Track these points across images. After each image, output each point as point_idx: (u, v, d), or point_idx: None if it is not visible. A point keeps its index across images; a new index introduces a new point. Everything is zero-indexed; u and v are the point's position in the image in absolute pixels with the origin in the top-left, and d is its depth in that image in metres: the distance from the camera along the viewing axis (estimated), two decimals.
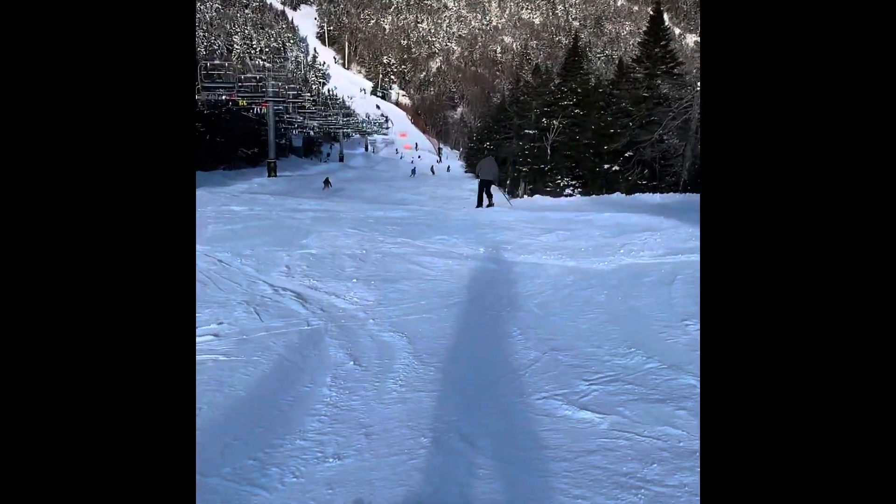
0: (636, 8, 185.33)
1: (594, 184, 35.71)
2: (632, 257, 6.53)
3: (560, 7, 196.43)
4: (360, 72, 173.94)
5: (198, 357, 3.56)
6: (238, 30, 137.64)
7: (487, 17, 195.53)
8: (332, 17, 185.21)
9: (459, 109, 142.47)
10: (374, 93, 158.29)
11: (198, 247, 6.45)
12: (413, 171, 61.01)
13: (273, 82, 46.11)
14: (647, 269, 5.95)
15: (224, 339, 3.95)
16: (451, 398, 3.21)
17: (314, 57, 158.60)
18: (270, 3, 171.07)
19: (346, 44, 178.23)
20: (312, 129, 74.10)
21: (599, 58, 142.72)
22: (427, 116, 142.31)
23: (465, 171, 60.50)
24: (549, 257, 6.82)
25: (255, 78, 48.79)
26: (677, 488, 2.32)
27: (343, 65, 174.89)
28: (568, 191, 36.95)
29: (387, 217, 10.64)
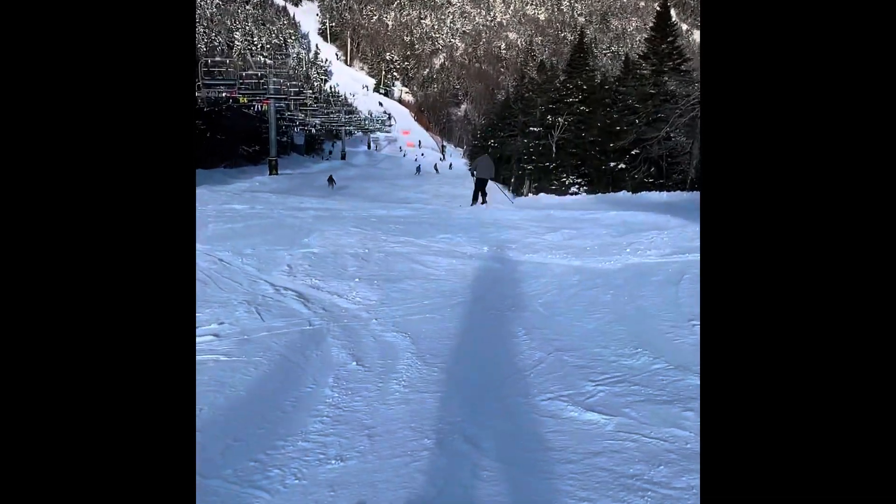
0: (643, 3, 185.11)
1: (600, 182, 35.70)
2: (638, 256, 6.52)
3: (565, 3, 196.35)
4: (362, 68, 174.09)
5: (198, 357, 3.57)
6: (239, 26, 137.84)
7: (491, 13, 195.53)
8: (334, 12, 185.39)
9: (463, 106, 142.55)
10: (376, 90, 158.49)
11: (198, 246, 6.46)
12: (418, 169, 61.14)
13: (274, 79, 46.11)
14: (654, 268, 5.94)
15: (225, 339, 3.95)
16: (455, 399, 3.21)
17: (316, 53, 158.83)
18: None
19: (349, 40, 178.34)
20: (314, 127, 74.14)
21: (605, 54, 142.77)
22: (430, 114, 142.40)
23: (468, 169, 60.44)
24: (554, 256, 6.81)
25: (257, 75, 48.84)
26: (685, 490, 2.32)
27: (345, 61, 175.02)
28: (573, 189, 36.96)
29: (390, 216, 10.64)
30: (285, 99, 52.73)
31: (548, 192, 36.91)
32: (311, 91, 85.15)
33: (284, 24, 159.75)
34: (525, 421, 2.97)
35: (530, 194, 38.22)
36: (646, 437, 2.72)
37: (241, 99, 43.89)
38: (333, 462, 2.57)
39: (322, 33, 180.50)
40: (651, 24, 38.18)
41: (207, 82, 42.67)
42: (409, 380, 3.43)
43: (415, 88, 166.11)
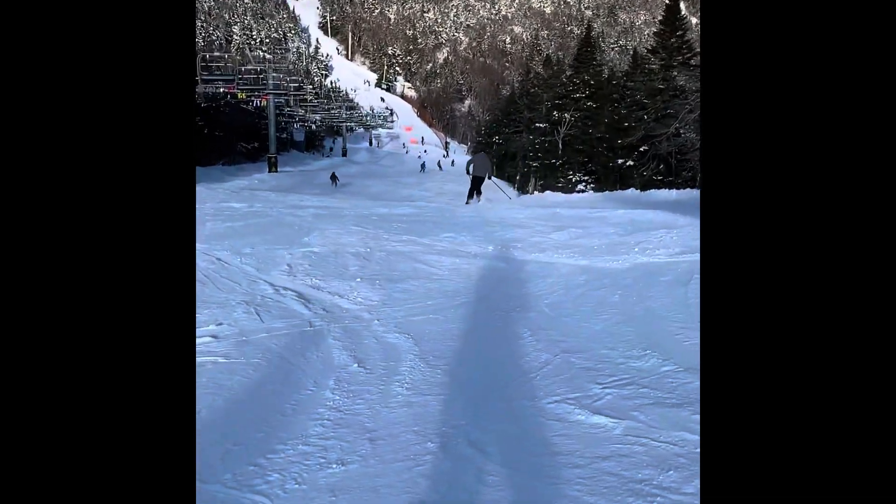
0: None
1: (607, 179, 35.68)
2: (647, 256, 6.51)
3: None
4: (363, 63, 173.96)
5: (196, 359, 3.57)
6: (237, 20, 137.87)
7: (496, 6, 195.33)
8: (335, 6, 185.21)
9: (467, 102, 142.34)
10: (378, 85, 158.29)
11: (196, 245, 6.47)
12: (422, 166, 61.17)
13: (274, 74, 46.16)
14: (663, 268, 5.93)
15: (223, 340, 3.96)
16: (459, 402, 3.21)
17: (316, 48, 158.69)
18: None
19: (350, 34, 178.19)
20: (314, 123, 74.27)
21: (613, 48, 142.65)
22: (433, 109, 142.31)
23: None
24: (560, 256, 6.81)
25: (256, 70, 48.86)
26: (695, 496, 2.32)
27: (346, 56, 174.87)
28: (580, 186, 36.92)
29: (392, 214, 10.66)
30: (285, 94, 52.82)
31: (554, 189, 36.85)
32: (311, 86, 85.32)
33: (284, 18, 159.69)
34: (531, 424, 2.97)
35: (536, 192, 38.18)
36: (655, 441, 2.72)
37: (239, 94, 43.96)
38: (334, 466, 2.57)
39: (322, 27, 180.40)
40: (660, 18, 38.13)
41: (205, 77, 42.76)
42: (412, 382, 3.43)
43: (418, 84, 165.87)
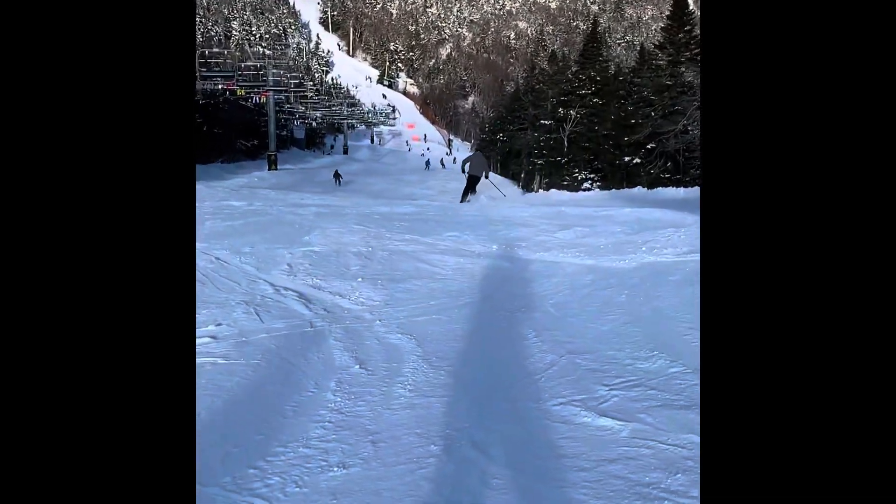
0: None
1: (614, 177, 35.66)
2: (654, 255, 6.50)
3: None
4: (365, 59, 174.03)
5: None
6: (236, 15, 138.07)
7: (500, 1, 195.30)
8: (336, 1, 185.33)
9: (471, 99, 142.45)
10: (380, 81, 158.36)
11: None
12: (427, 164, 61.22)
13: (273, 70, 46.26)
14: (671, 267, 5.92)
15: (223, 341, 3.96)
16: (463, 403, 3.21)
17: (317, 44, 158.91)
18: None
19: (351, 30, 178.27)
20: (315, 120, 74.35)
21: (619, 44, 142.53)
22: (436, 106, 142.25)
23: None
24: (566, 255, 6.81)
25: (255, 66, 48.95)
26: None
27: (347, 52, 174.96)
28: (586, 185, 36.92)
29: (394, 213, 10.65)
30: (285, 91, 52.99)
31: (559, 187, 36.88)
32: (311, 83, 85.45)
33: (284, 14, 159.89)
34: (536, 426, 2.96)
35: (541, 190, 38.20)
36: (662, 444, 2.72)
37: (238, 91, 44.01)
38: (336, 469, 2.57)
39: (323, 23, 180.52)
40: (667, 13, 38.11)
41: (204, 74, 42.86)
42: (415, 383, 3.43)
43: (420, 80, 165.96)
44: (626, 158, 34.81)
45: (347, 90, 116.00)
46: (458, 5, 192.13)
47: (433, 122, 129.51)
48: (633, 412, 3.03)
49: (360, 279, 5.62)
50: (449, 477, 2.51)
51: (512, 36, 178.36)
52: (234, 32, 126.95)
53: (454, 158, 74.07)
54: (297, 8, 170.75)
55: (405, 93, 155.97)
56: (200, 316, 4.37)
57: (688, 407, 3.06)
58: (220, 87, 44.06)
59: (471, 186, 17.32)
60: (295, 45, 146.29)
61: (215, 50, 52.31)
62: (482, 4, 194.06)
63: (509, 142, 51.16)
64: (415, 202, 15.12)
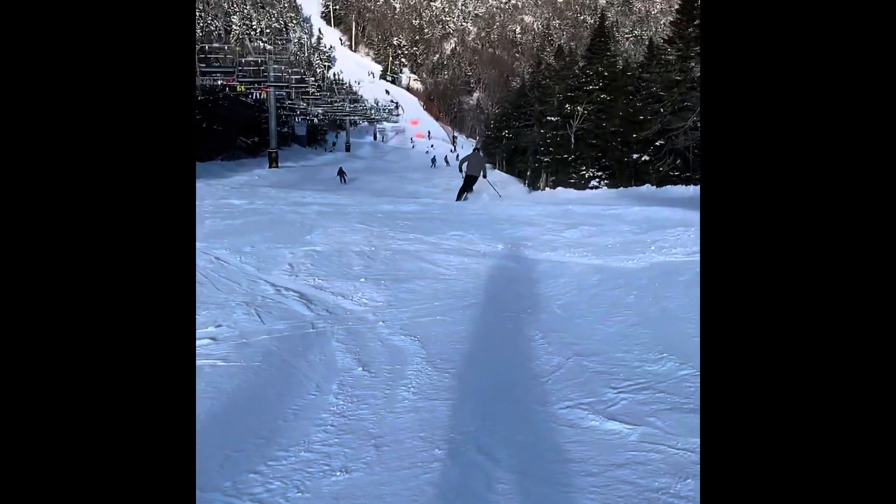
0: None
1: (622, 175, 35.60)
2: (663, 255, 6.49)
3: None
4: (368, 54, 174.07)
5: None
6: (237, 9, 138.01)
7: None
8: None
9: (476, 94, 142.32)
10: (383, 77, 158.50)
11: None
12: (433, 161, 61.26)
13: (274, 66, 46.32)
14: (680, 267, 5.90)
15: (222, 342, 3.96)
16: (468, 407, 3.20)
17: (319, 38, 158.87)
18: None
19: (353, 24, 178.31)
20: (317, 117, 74.37)
21: (628, 38, 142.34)
22: (440, 102, 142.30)
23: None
24: (573, 255, 6.80)
25: (256, 61, 49.00)
26: None
27: (350, 47, 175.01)
28: (594, 183, 36.88)
29: (398, 211, 10.65)
30: (286, 87, 52.96)
31: (566, 185, 36.81)
32: (313, 78, 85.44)
33: (285, 8, 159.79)
34: (542, 430, 2.96)
35: (547, 188, 38.15)
36: (672, 448, 2.71)
37: (238, 87, 44.04)
38: (338, 474, 2.57)
39: (325, 17, 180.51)
40: (677, 7, 37.98)
41: (204, 70, 42.88)
42: (419, 386, 3.43)
43: (424, 75, 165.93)
44: (635, 156, 34.72)
45: (350, 86, 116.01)
46: None
47: (437, 119, 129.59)
48: (641, 416, 3.03)
49: (362, 279, 5.62)
50: (454, 482, 2.51)
51: (518, 30, 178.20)
52: (234, 27, 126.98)
53: (457, 155, 74.16)
54: (299, 2, 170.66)
55: (409, 88, 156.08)
56: (200, 317, 4.37)
57: (698, 410, 3.05)
58: (219, 82, 44.07)
59: (467, 186, 17.50)
60: (296, 40, 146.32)
61: (215, 45, 52.45)
62: None
63: (515, 139, 51.16)
64: (418, 200, 15.13)
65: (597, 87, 40.02)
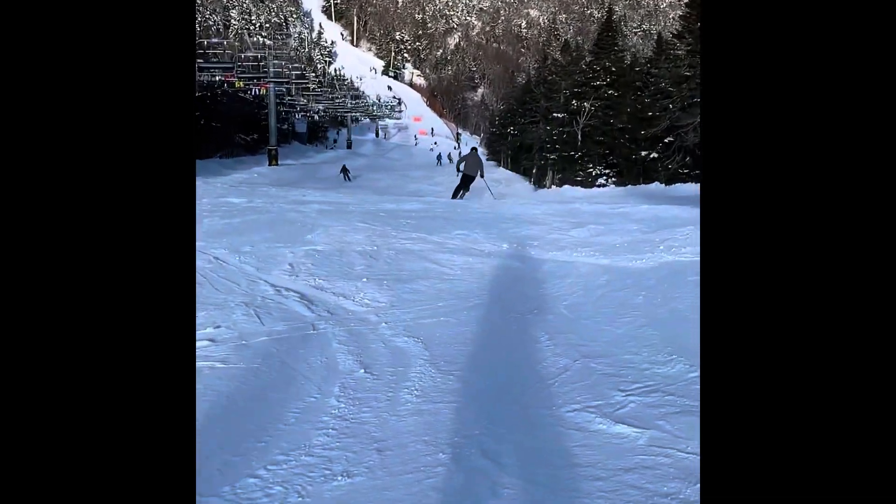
0: None
1: (630, 173, 35.61)
2: (672, 254, 6.48)
3: None
4: (369, 49, 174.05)
5: None
6: (235, 4, 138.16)
7: None
8: None
9: (480, 91, 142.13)
10: (385, 72, 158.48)
11: None
12: (438, 158, 61.32)
13: (274, 61, 46.35)
14: (690, 267, 5.88)
15: (221, 344, 3.97)
16: (472, 410, 3.20)
17: (319, 33, 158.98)
18: None
19: (355, 18, 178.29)
20: (317, 113, 74.49)
21: (636, 33, 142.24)
22: (444, 98, 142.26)
23: (487, 159, 60.47)
24: (580, 254, 6.80)
25: (255, 56, 49.02)
26: None
27: (351, 42, 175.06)
28: (601, 180, 36.89)
29: (400, 210, 10.65)
30: (286, 82, 52.98)
31: (573, 183, 36.85)
32: (314, 74, 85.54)
33: (285, 2, 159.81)
34: (549, 434, 2.96)
35: (553, 186, 38.17)
36: (681, 453, 2.71)
37: (237, 83, 44.09)
38: (340, 478, 2.57)
39: (326, 11, 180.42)
40: (686, 0, 37.96)
41: (202, 65, 42.91)
42: (422, 389, 3.43)
43: (427, 71, 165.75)
44: (643, 153, 34.73)
45: (351, 82, 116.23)
46: None
47: (441, 115, 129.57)
48: (650, 419, 3.03)
49: (364, 279, 5.62)
50: (458, 487, 2.51)
51: (523, 25, 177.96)
52: (232, 21, 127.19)
53: (460, 153, 74.23)
54: None
55: (411, 84, 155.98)
56: (198, 318, 4.37)
57: None
58: (218, 78, 44.15)
59: (464, 185, 17.69)
60: (296, 35, 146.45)
61: (213, 40, 52.41)
62: None
63: (520, 136, 51.15)
64: (422, 199, 15.13)
65: (604, 83, 40.00)
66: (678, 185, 28.63)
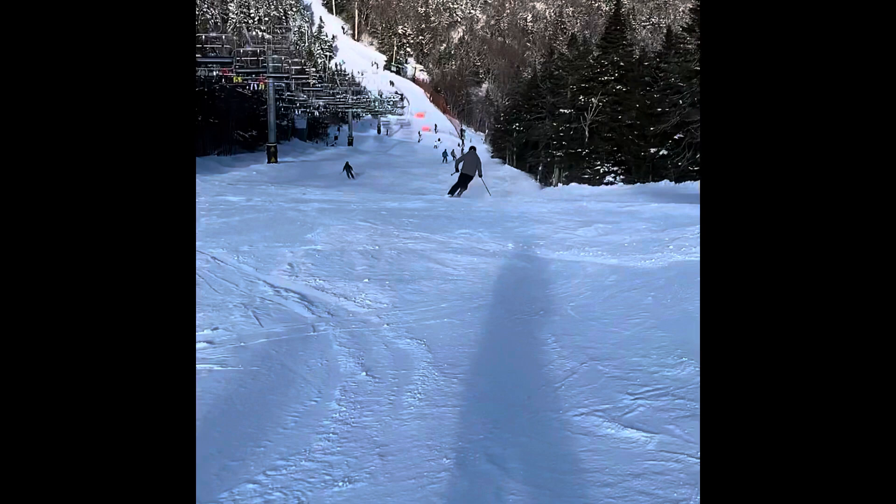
0: None
1: (638, 170, 35.53)
2: (682, 254, 6.47)
3: None
4: (371, 44, 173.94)
5: None
6: None
7: None
8: None
9: (485, 86, 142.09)
10: (387, 67, 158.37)
11: None
12: (444, 155, 61.35)
13: (273, 56, 46.31)
14: None
15: (220, 346, 3.97)
16: (477, 414, 3.20)
17: (320, 27, 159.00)
18: None
19: (356, 12, 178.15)
20: (317, 109, 74.52)
21: (645, 26, 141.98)
22: (448, 94, 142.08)
23: (492, 157, 60.43)
24: (587, 254, 6.80)
25: (254, 51, 49.06)
26: None
27: (352, 36, 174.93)
28: (609, 178, 36.78)
29: (403, 208, 10.67)
30: (286, 78, 52.97)
31: (580, 181, 36.74)
32: (314, 69, 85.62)
33: None
34: (555, 438, 2.96)
35: (560, 184, 38.11)
36: (692, 458, 2.70)
37: (235, 78, 44.10)
38: (340, 484, 2.57)
39: (326, 4, 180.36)
40: None
41: (200, 60, 42.91)
42: (425, 392, 3.43)
43: (430, 66, 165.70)
44: (652, 150, 34.60)
45: (352, 77, 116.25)
46: None
47: (444, 111, 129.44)
48: (659, 423, 3.02)
49: (366, 280, 5.62)
50: (462, 493, 2.51)
51: (529, 18, 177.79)
52: (231, 15, 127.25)
53: (462, 150, 74.20)
54: None
55: (414, 80, 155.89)
56: (196, 319, 4.37)
57: None
58: (216, 73, 44.17)
59: (462, 184, 17.83)
60: (296, 29, 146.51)
61: (211, 34, 52.55)
62: None
63: (526, 132, 51.00)
64: (425, 197, 15.14)
65: (612, 78, 39.86)
66: (688, 182, 28.51)
